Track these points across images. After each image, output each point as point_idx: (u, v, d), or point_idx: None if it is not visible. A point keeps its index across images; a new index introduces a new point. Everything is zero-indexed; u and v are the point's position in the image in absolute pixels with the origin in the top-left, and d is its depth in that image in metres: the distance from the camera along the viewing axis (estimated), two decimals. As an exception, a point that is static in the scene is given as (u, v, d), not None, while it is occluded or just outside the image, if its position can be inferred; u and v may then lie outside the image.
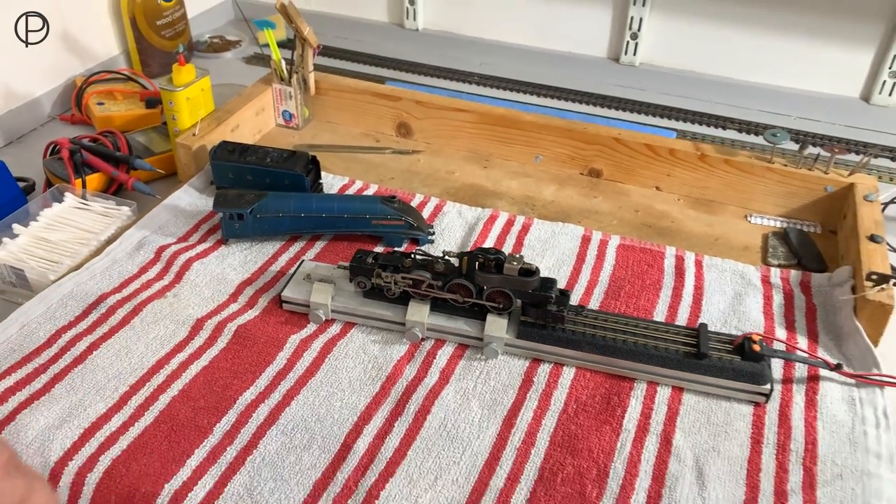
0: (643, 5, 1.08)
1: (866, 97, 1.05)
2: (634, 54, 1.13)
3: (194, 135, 0.82)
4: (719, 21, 1.07)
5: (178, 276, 0.70)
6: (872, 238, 0.68)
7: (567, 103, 1.08)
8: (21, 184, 0.84)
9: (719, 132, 1.01)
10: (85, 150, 0.83)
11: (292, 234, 0.75)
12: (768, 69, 1.08)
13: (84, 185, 0.81)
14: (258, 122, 0.92)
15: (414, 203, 0.80)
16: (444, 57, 1.19)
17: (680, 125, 1.03)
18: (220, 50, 1.22)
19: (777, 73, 1.08)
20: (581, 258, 0.74)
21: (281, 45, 1.09)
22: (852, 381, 0.60)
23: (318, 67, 0.95)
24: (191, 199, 0.80)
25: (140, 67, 1.11)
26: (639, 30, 1.10)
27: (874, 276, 0.62)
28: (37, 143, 0.95)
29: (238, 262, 0.72)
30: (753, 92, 1.08)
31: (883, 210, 0.82)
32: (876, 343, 0.62)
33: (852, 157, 0.94)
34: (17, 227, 0.75)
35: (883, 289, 0.61)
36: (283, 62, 0.91)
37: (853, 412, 0.58)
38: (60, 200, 0.79)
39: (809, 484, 0.52)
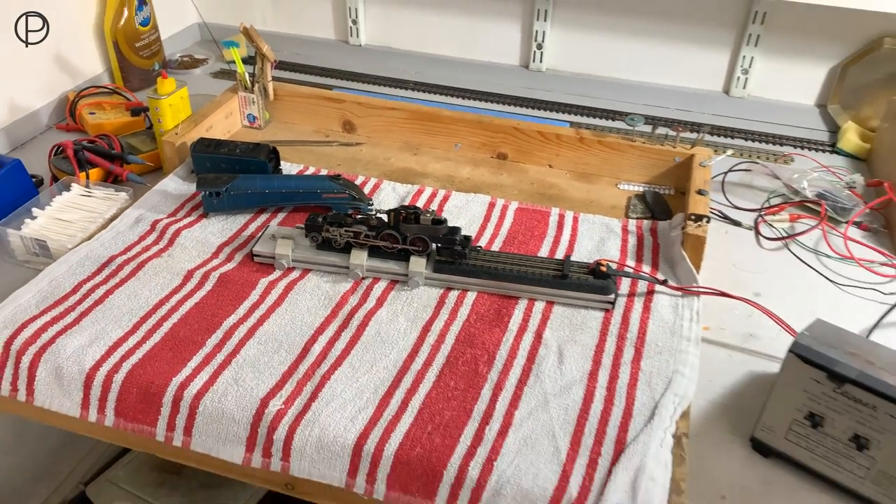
0: (545, 20, 1.30)
1: (727, 90, 1.29)
2: (541, 62, 1.35)
3: (177, 134, 1.02)
4: (608, 32, 1.30)
5: (171, 242, 0.89)
6: (700, 192, 0.90)
7: (487, 104, 1.30)
8: (32, 179, 1.02)
9: (608, 122, 1.24)
10: (86, 149, 1.02)
11: (260, 207, 0.95)
12: (648, 70, 1.31)
13: (87, 177, 0.99)
14: (227, 124, 1.12)
15: (356, 182, 1.01)
16: (383, 68, 1.40)
17: (578, 118, 1.25)
18: (189, 67, 1.42)
19: (655, 73, 1.31)
20: (487, 219, 0.95)
21: (244, 60, 1.29)
22: (678, 292, 0.82)
23: (276, 79, 1.15)
24: (176, 185, 0.99)
25: (122, 82, 1.30)
26: (542, 41, 1.33)
27: (692, 217, 0.85)
28: (38, 147, 1.13)
29: (217, 229, 0.92)
30: (637, 89, 1.31)
31: (724, 177, 1.06)
32: (698, 266, 0.84)
33: (694, 135, 1.18)
34: (35, 211, 0.93)
35: (699, 225, 0.84)
36: (247, 74, 1.11)
37: (676, 312, 0.80)
38: (68, 190, 0.98)
39: (637, 358, 0.74)
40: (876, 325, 0.82)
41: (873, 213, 1.00)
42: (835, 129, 1.21)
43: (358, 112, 1.12)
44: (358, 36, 1.45)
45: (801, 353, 0.63)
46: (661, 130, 1.03)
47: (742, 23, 1.22)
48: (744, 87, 1.27)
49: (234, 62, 1.12)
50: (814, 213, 1.00)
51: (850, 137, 1.16)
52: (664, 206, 0.97)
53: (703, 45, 1.26)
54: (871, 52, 1.18)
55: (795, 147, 1.18)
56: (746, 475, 0.67)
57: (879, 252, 0.94)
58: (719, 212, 1.01)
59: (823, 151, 1.17)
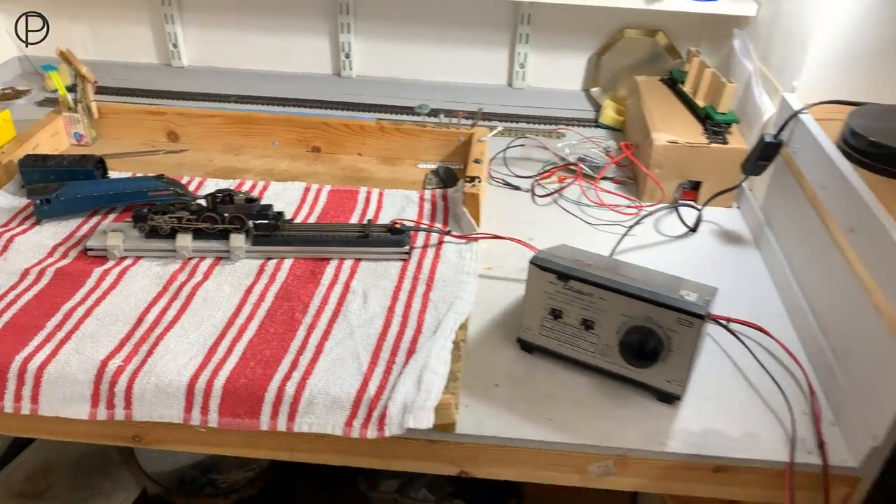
0: (349, 33, 1.47)
1: (510, 83, 1.51)
2: (350, 69, 1.52)
3: (2, 153, 1.08)
4: (405, 40, 1.49)
5: (5, 248, 0.96)
6: (476, 161, 1.09)
7: (305, 109, 1.44)
8: None
9: (412, 117, 1.42)
10: None
11: (91, 210, 1.04)
12: (443, 70, 1.51)
13: (-87, 201, 1.04)
14: (54, 143, 1.19)
15: (181, 182, 1.11)
16: (207, 86, 1.51)
17: (388, 116, 1.42)
18: (12, 98, 1.46)
19: (450, 72, 1.52)
20: (303, 201, 1.09)
21: (69, 88, 1.36)
22: (462, 240, 1.00)
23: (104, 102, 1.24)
24: (6, 199, 1.06)
25: (-58, 116, 1.33)
26: (349, 52, 1.49)
27: (468, 178, 1.03)
28: None
29: (51, 233, 0.99)
30: (436, 88, 1.50)
31: (504, 153, 1.26)
32: (477, 218, 1.02)
33: (485, 121, 1.38)
34: None
35: (473, 185, 1.02)
36: (69, 95, 1.19)
37: (460, 255, 0.97)
38: None
39: (427, 291, 0.90)
40: (615, 248, 1.04)
41: (623, 169, 1.24)
42: (598, 108, 1.45)
43: (180, 122, 1.23)
44: (180, 58, 1.55)
45: (538, 263, 0.82)
46: (446, 119, 1.22)
47: (513, 24, 1.44)
48: (523, 80, 1.49)
49: (56, 90, 1.20)
50: (574, 174, 1.22)
51: (609, 113, 1.40)
52: (454, 177, 1.15)
53: (485, 45, 1.48)
54: (617, 41, 1.43)
55: (568, 125, 1.41)
56: (515, 367, 0.85)
57: (626, 198, 1.17)
58: (502, 180, 1.21)
59: (589, 126, 1.41)
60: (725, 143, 1.10)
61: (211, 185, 1.11)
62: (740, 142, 1.10)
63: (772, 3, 1.17)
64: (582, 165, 1.21)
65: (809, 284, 0.90)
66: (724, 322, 0.91)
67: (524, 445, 0.76)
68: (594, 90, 1.47)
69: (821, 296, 0.87)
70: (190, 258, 0.95)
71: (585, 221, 1.12)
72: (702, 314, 0.74)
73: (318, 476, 1.52)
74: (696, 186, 1.14)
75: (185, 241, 0.94)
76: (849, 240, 0.78)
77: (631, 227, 1.08)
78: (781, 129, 0.97)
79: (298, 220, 1.04)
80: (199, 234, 0.95)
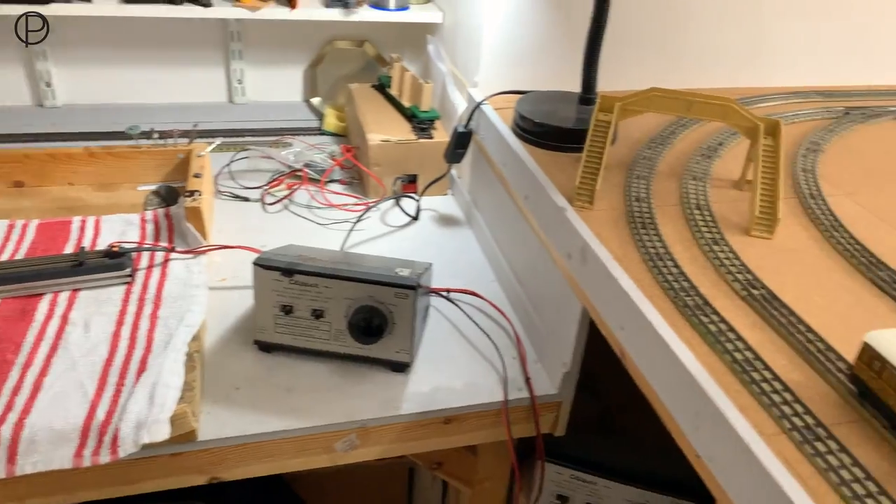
0: (46, 60, 1.38)
1: (230, 99, 1.52)
2: (54, 98, 1.42)
3: None
4: (117, 64, 1.43)
5: None
6: (196, 175, 1.09)
7: (4, 144, 1.32)
8: None
9: (132, 141, 1.37)
10: None
11: None
12: (162, 91, 1.48)
13: None
14: None
15: None
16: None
17: (104, 142, 1.35)
18: None
19: (170, 93, 1.48)
20: (7, 239, 1.00)
21: None
22: (188, 255, 1.00)
23: None
24: None
25: None
26: (50, 80, 1.40)
27: (188, 193, 1.03)
28: None
29: None
30: (156, 110, 1.47)
31: (229, 166, 1.27)
32: (203, 231, 1.03)
33: (207, 138, 1.39)
34: None
35: (194, 199, 1.02)
36: None
37: (188, 269, 0.97)
38: None
39: (155, 310, 0.89)
40: (344, 243, 1.10)
41: (348, 170, 1.31)
42: (321, 117, 1.52)
43: None
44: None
45: (261, 263, 0.85)
46: (161, 139, 1.20)
47: (224, 42, 1.45)
48: (243, 95, 1.51)
49: None
50: (301, 180, 1.27)
51: (331, 120, 1.47)
52: (176, 195, 1.13)
53: (201, 64, 1.47)
54: (328, 53, 1.51)
55: (295, 134, 1.46)
56: (255, 368, 0.87)
57: (353, 197, 1.25)
58: (230, 193, 1.22)
59: (314, 134, 1.46)
60: (431, 137, 1.22)
61: None
62: (443, 135, 1.22)
63: (452, 11, 1.32)
64: (308, 171, 1.26)
65: (509, 250, 1.04)
66: (444, 293, 1.01)
67: (269, 438, 0.79)
68: (315, 100, 1.53)
69: (518, 258, 1.01)
70: None
71: (317, 223, 1.17)
72: (414, 286, 0.82)
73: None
74: (413, 179, 1.24)
75: None
76: (526, 206, 0.92)
77: (356, 222, 1.15)
78: (469, 119, 1.10)
79: (3, 258, 0.96)
80: None
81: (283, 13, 1.35)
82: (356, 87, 1.41)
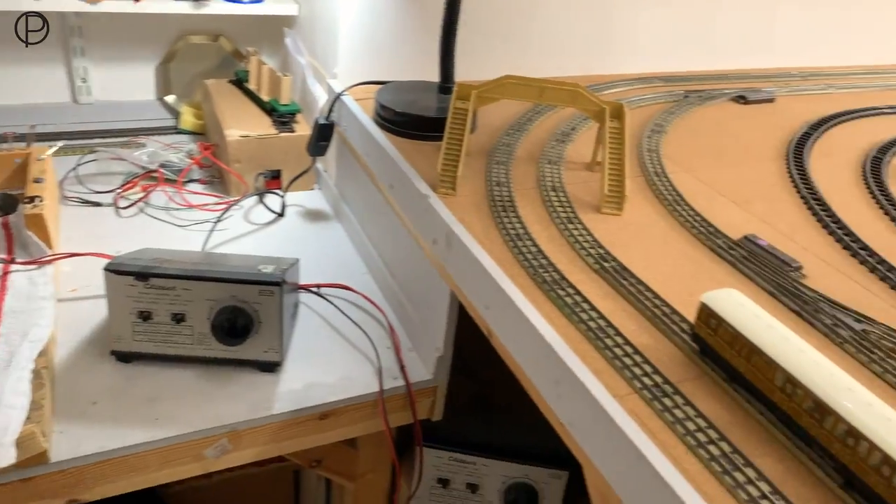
0: None
1: (75, 99, 1.42)
2: None
3: None
4: None
5: None
6: (36, 180, 1.01)
7: None
8: None
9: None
10: None
11: None
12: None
13: None
14: None
15: None
16: None
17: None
18: None
19: (2, 95, 1.37)
20: None
21: None
22: (31, 265, 0.92)
23: None
24: None
25: None
26: None
27: (27, 199, 0.95)
28: None
29: None
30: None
31: (75, 171, 1.19)
32: (47, 240, 0.96)
33: (47, 142, 1.29)
34: None
35: (35, 206, 0.95)
36: None
37: (31, 281, 0.90)
38: None
39: (-5, 326, 0.82)
40: (206, 243, 1.06)
41: (208, 169, 1.26)
42: (177, 115, 1.45)
43: None
44: None
45: (112, 269, 0.80)
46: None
47: (64, 37, 1.36)
48: (89, 94, 1.41)
49: None
50: (157, 181, 1.21)
51: (188, 118, 1.41)
52: (15, 203, 1.05)
53: (38, 62, 1.36)
54: (181, 48, 1.44)
55: (149, 134, 1.38)
56: (113, 380, 0.82)
57: (215, 196, 1.20)
58: (79, 198, 1.14)
59: (170, 133, 1.40)
60: (293, 131, 1.19)
61: None
62: (306, 129, 1.20)
63: (308, 3, 1.29)
64: (164, 171, 1.20)
65: (379, 241, 1.04)
66: (314, 289, 1.00)
67: (132, 452, 0.75)
68: (169, 98, 1.46)
69: (388, 248, 1.01)
70: None
71: (176, 225, 1.11)
72: (278, 282, 0.80)
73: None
74: (277, 175, 1.22)
75: None
76: (391, 195, 0.92)
77: (217, 222, 1.11)
78: (330, 111, 1.09)
79: None
80: None
81: (126, 6, 1.28)
82: (213, 83, 1.35)
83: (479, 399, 1.06)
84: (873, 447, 0.47)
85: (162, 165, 1.22)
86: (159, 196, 1.18)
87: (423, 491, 0.95)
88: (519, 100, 0.91)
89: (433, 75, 1.03)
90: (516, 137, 1.00)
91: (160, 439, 0.75)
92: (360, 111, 1.03)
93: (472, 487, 0.94)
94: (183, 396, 0.81)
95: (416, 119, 0.97)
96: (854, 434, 0.48)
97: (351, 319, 0.95)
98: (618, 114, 0.90)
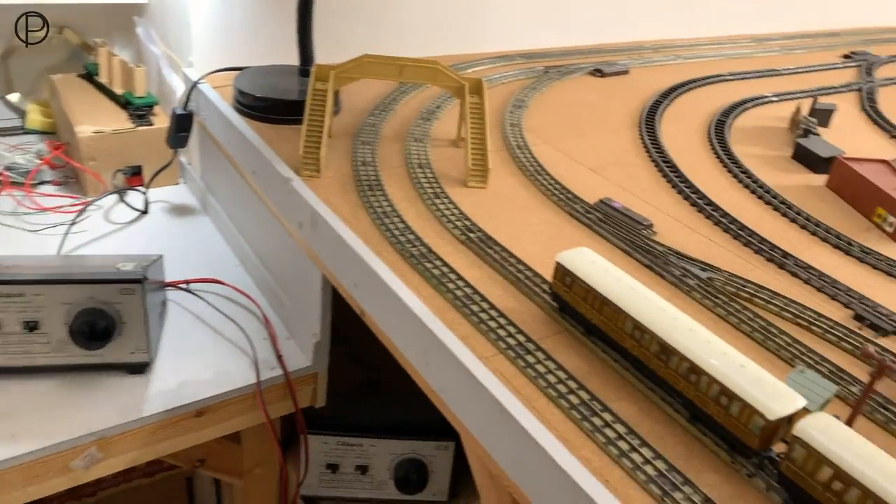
0: None
1: None
2: None
3: None
4: None
5: None
6: None
7: None
8: None
9: None
10: None
11: None
12: None
13: None
14: None
15: None
16: None
17: None
18: None
19: None
20: None
21: None
22: None
23: None
24: None
25: None
26: None
27: None
28: None
29: None
30: None
31: None
32: None
33: None
34: None
35: None
36: None
37: None
38: None
39: None
40: (61, 247, 1.00)
41: (61, 169, 1.18)
42: (23, 115, 1.35)
43: None
44: None
45: (-51, 279, 0.74)
46: None
47: None
48: (-84, 95, 1.29)
49: None
50: (1, 185, 1.12)
51: (35, 117, 1.31)
52: None
53: None
54: (20, 43, 1.34)
55: (-9, 137, 1.28)
56: (-39, 399, 0.76)
57: (70, 197, 1.13)
58: (-90, 208, 1.04)
59: (16, 134, 1.30)
60: (151, 124, 1.14)
61: None
62: (165, 121, 1.15)
63: (158, -11, 1.24)
64: (9, 174, 1.12)
65: (249, 232, 1.02)
66: (183, 286, 0.96)
67: (-12, 472, 0.70)
68: (12, 96, 1.36)
69: (258, 238, 0.99)
70: None
71: (27, 230, 1.04)
72: (139, 279, 0.77)
73: None
74: (138, 171, 1.16)
75: None
76: (255, 182, 0.90)
77: (72, 224, 1.04)
78: (187, 101, 1.05)
79: None
80: None
81: (-49, -3, 1.18)
82: (60, 79, 1.27)
83: (367, 383, 1.06)
84: (712, 380, 0.51)
85: (7, 168, 1.13)
86: (6, 201, 1.09)
87: (312, 479, 0.94)
88: (379, 78, 0.91)
89: (293, 59, 1.01)
90: (381, 118, 1.00)
91: (20, 455, 0.71)
92: (218, 99, 1.00)
93: (362, 469, 0.95)
94: (42, 409, 0.76)
95: (276, 103, 0.95)
96: (696, 370, 0.52)
97: (223, 313, 0.92)
98: (477, 89, 0.92)
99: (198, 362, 0.85)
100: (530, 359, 0.58)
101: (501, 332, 0.61)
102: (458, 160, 0.91)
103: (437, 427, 0.93)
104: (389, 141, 0.95)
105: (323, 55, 1.00)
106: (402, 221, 0.76)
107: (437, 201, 0.80)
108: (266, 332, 0.90)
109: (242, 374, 0.84)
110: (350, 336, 0.89)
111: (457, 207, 0.80)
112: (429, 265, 0.69)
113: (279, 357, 0.86)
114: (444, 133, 0.99)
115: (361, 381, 1.06)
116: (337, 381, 0.93)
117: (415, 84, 1.11)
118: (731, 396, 0.49)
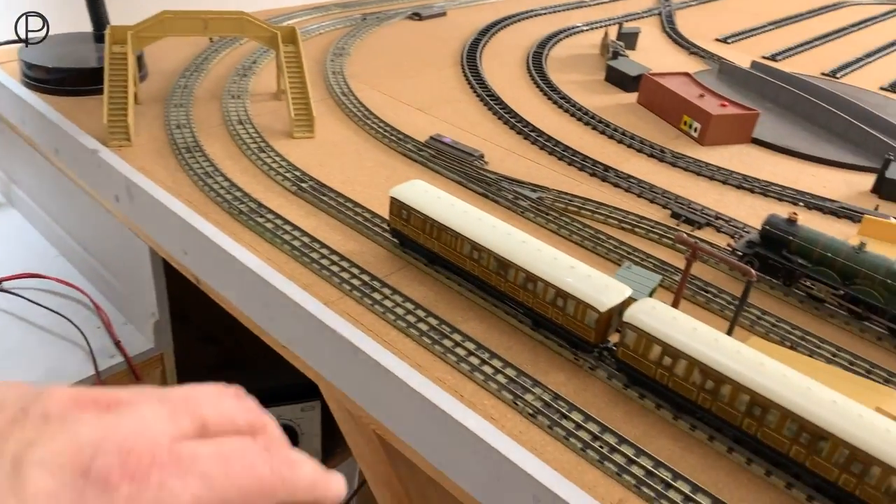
0: None
1: None
2: None
3: None
4: None
5: None
6: None
7: None
8: None
9: None
10: None
11: None
12: None
13: None
14: None
15: None
16: None
17: None
18: None
19: None
20: None
21: None
22: None
23: None
24: None
25: None
26: None
27: None
28: None
29: None
30: None
31: None
32: None
33: None
34: None
35: None
36: None
37: None
38: None
39: None
40: None
41: None
42: None
43: None
44: None
45: None
46: None
47: None
48: None
49: None
50: None
51: None
52: None
53: None
54: None
55: None
56: None
57: None
58: None
59: None
60: (-74, 113, 1.00)
61: None
62: (-57, 108, 1.02)
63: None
64: None
65: (64, 217, 0.93)
66: (-5, 286, 0.87)
67: None
68: None
69: (74, 221, 0.91)
70: None
71: None
72: (-66, 281, 0.68)
73: None
74: (-81, 169, 1.02)
75: None
76: (59, 160, 0.82)
77: None
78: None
79: None
80: None
81: None
82: None
83: (229, 358, 1.02)
84: (547, 285, 0.53)
85: None
86: None
87: (177, 464, 0.90)
88: (183, 35, 0.85)
89: (87, 26, 0.92)
90: (194, 79, 0.94)
91: None
92: (4, 76, 0.89)
93: (229, 444, 0.91)
94: None
95: (71, 73, 0.86)
96: (531, 278, 0.54)
97: (47, 308, 0.84)
98: (291, 38, 0.89)
99: (24, 364, 0.77)
100: (377, 296, 0.58)
101: (345, 276, 0.60)
102: (281, 113, 0.88)
103: (302, 389, 0.92)
104: (205, 101, 0.89)
105: (116, 17, 0.92)
106: (227, 179, 0.72)
107: (263, 155, 0.77)
108: (99, 319, 0.84)
109: (78, 366, 0.78)
110: (204, 318, 0.85)
111: (284, 159, 0.77)
112: (261, 220, 0.66)
113: (117, 343, 0.81)
114: (264, 87, 0.95)
115: (220, 358, 1.02)
116: (193, 364, 0.88)
117: (225, 38, 1.05)
118: (566, 297, 0.52)
